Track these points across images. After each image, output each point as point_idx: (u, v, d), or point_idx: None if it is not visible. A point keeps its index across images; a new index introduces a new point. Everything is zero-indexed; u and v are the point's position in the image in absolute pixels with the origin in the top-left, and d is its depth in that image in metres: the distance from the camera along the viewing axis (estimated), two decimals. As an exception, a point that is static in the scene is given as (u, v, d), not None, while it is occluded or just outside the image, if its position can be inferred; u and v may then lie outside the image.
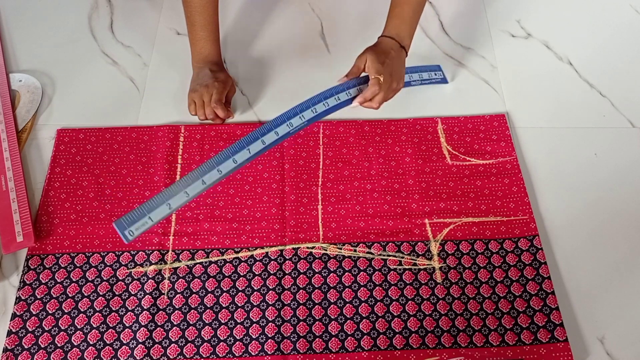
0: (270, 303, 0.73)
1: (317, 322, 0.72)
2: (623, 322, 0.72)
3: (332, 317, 0.72)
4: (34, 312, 0.72)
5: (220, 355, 0.70)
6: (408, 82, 0.88)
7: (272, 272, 0.75)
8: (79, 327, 0.71)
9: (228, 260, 0.76)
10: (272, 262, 0.76)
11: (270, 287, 0.74)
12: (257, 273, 0.75)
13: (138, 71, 0.95)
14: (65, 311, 0.72)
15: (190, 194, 0.74)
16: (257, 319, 0.72)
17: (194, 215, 0.79)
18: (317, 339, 0.71)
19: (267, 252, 0.77)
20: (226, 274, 0.75)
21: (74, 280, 0.74)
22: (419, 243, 0.77)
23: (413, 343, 0.70)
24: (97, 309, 0.72)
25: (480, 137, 0.87)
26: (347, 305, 0.73)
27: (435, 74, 0.92)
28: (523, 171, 0.84)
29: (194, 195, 0.74)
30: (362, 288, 0.74)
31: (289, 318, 0.72)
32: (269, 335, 0.71)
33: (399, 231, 0.78)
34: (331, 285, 0.74)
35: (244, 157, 0.77)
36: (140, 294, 0.73)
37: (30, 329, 0.71)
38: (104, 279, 0.74)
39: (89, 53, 0.97)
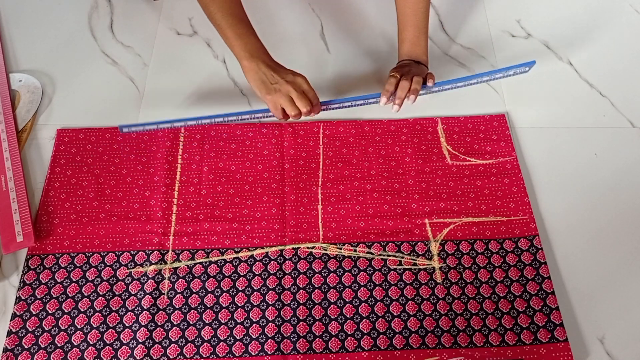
0: (270, 303, 0.73)
1: (317, 322, 0.72)
2: (623, 322, 0.72)
3: (332, 317, 0.72)
4: (34, 312, 0.72)
5: (220, 355, 0.70)
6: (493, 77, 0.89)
7: (272, 272, 0.75)
8: (79, 327, 0.71)
9: (228, 260, 0.76)
10: (272, 262, 0.76)
11: (270, 287, 0.74)
12: (257, 273, 0.75)
13: (138, 71, 0.95)
14: (65, 311, 0.72)
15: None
16: (257, 319, 0.72)
17: (194, 215, 0.79)
18: (317, 339, 0.71)
19: (267, 252, 0.77)
20: (226, 274, 0.75)
21: (74, 280, 0.74)
22: (419, 243, 0.77)
23: (413, 343, 0.70)
24: (97, 309, 0.72)
25: (480, 137, 0.87)
26: (347, 305, 0.73)
27: (524, 68, 0.88)
28: (523, 171, 0.84)
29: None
30: (362, 288, 0.74)
31: (289, 318, 0.72)
32: (269, 335, 0.71)
33: (399, 231, 0.78)
34: (331, 285, 0.74)
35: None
36: (140, 294, 0.73)
37: (30, 329, 0.71)
38: (104, 279, 0.74)
39: (89, 53, 0.97)
